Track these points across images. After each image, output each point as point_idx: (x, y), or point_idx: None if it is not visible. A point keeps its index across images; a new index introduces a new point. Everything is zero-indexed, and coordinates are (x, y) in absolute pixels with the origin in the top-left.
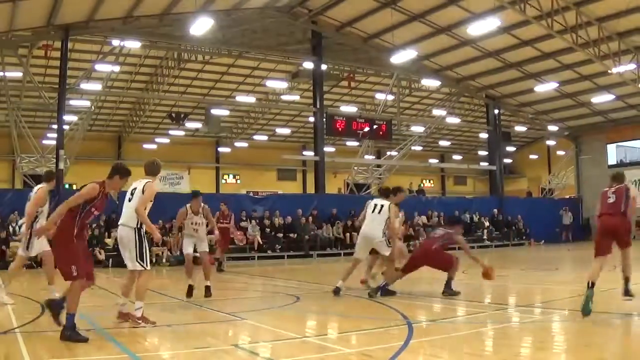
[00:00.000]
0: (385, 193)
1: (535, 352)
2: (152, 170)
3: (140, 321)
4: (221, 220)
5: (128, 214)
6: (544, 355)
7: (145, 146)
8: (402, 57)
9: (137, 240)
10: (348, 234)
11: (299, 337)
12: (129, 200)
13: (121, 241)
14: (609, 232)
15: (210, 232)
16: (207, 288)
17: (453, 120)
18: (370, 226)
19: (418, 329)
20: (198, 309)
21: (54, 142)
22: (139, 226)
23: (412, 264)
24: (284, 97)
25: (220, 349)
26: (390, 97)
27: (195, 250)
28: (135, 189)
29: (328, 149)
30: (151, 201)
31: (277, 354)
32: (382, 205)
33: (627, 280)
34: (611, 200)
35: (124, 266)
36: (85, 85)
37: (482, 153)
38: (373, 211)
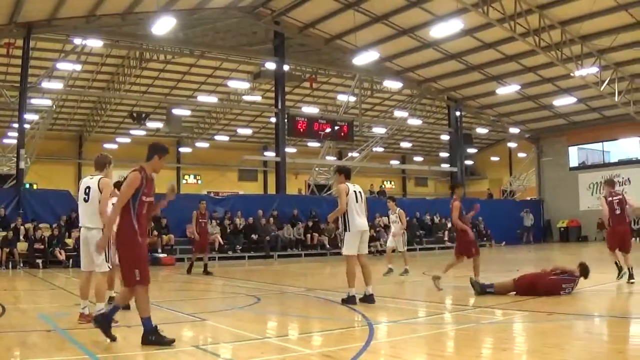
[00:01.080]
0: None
1: (497, 352)
2: (97, 163)
3: None
4: (200, 220)
5: (90, 215)
6: (506, 356)
7: (106, 146)
8: (364, 58)
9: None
10: (309, 235)
11: (259, 338)
12: (85, 200)
13: (85, 242)
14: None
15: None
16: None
17: (414, 122)
18: None
19: (379, 329)
20: (158, 310)
21: (14, 141)
22: (103, 226)
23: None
24: (246, 98)
25: (180, 349)
26: (352, 99)
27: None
28: (88, 187)
29: (289, 149)
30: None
31: (237, 354)
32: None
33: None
34: (618, 212)
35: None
36: (46, 84)
37: (444, 155)
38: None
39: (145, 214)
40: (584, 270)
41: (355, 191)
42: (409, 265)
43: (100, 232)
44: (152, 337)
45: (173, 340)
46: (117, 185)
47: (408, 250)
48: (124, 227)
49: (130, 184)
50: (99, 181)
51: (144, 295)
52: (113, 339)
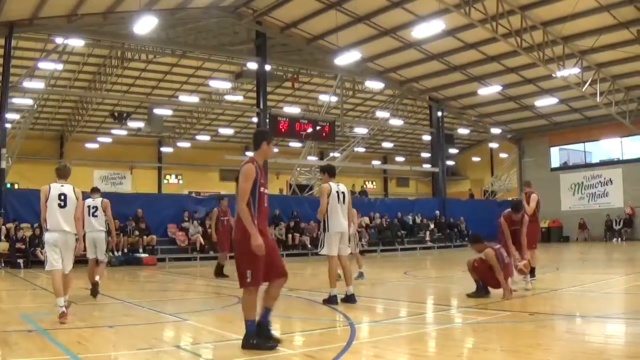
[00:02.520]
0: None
1: (479, 352)
2: (66, 173)
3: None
4: (221, 217)
5: (68, 220)
6: (488, 355)
7: (88, 145)
8: (346, 58)
9: (77, 243)
10: (290, 235)
11: (241, 338)
12: (61, 206)
13: (62, 244)
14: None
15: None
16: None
17: (396, 122)
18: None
19: (360, 329)
20: (140, 310)
21: None
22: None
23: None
24: (227, 97)
25: (162, 350)
26: (334, 99)
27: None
28: (64, 194)
29: None
30: None
31: (219, 355)
32: None
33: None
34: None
35: None
36: (28, 84)
37: (425, 155)
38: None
39: (266, 208)
40: (475, 240)
41: (337, 191)
42: (360, 269)
43: (74, 235)
44: (254, 341)
45: (275, 346)
46: None
47: (389, 250)
48: (242, 224)
49: (247, 176)
50: (74, 189)
51: (250, 299)
52: (274, 345)
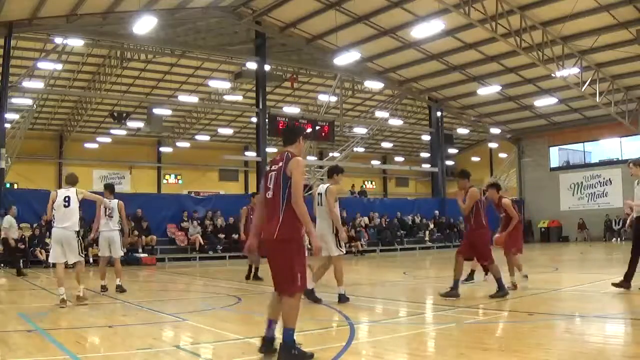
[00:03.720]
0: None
1: (478, 352)
2: (74, 181)
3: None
4: (251, 216)
5: (72, 219)
6: (488, 355)
7: (87, 145)
8: (345, 58)
9: (78, 239)
10: None
11: (240, 338)
12: (66, 207)
13: (62, 241)
14: None
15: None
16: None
17: (395, 122)
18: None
19: (360, 329)
20: (139, 310)
21: None
22: (77, 229)
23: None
24: (227, 97)
25: (161, 350)
26: (333, 99)
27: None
28: (68, 197)
29: (270, 149)
30: None
31: (218, 355)
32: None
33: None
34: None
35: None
36: (27, 84)
37: (424, 155)
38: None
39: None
40: (462, 175)
41: (319, 193)
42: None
43: (74, 232)
44: (295, 352)
45: (312, 355)
46: None
47: (388, 250)
48: (292, 221)
49: (302, 170)
50: (76, 192)
51: (297, 304)
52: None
